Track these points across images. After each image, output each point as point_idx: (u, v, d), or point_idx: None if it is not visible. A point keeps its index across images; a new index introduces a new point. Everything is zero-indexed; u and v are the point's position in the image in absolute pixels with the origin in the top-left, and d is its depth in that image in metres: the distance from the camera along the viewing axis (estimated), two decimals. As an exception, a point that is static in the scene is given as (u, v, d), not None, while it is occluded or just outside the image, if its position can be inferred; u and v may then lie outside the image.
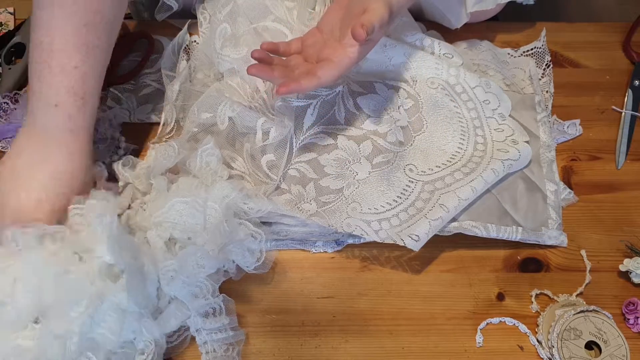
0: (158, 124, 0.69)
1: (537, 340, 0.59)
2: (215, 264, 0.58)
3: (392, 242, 0.60)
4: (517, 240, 0.63)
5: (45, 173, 0.56)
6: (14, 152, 0.58)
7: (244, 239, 0.58)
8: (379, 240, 0.60)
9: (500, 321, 0.61)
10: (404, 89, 0.70)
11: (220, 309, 0.58)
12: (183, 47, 0.74)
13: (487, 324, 0.60)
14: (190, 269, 0.56)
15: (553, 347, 0.57)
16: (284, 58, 0.61)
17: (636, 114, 0.73)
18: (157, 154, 0.63)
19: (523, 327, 0.60)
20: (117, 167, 0.63)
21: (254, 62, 0.58)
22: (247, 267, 0.59)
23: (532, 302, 0.61)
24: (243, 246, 0.58)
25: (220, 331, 0.58)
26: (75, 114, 0.57)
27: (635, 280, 0.62)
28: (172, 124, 0.69)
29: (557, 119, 0.72)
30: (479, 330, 0.60)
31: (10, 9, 0.83)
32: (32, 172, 0.56)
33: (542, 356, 0.59)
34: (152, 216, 0.59)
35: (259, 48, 0.58)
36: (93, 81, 0.58)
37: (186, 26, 0.75)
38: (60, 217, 0.57)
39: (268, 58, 0.59)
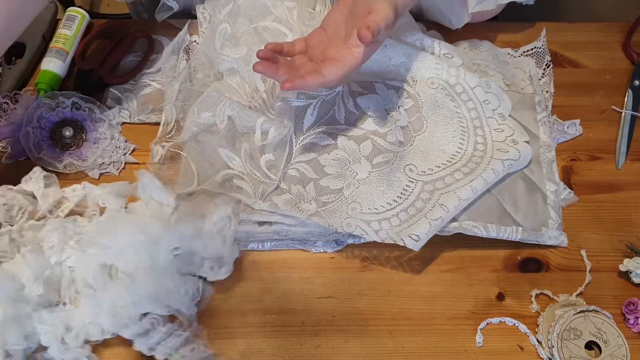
0: (158, 124, 0.69)
1: (537, 340, 0.59)
2: (149, 307, 0.57)
3: (392, 242, 0.60)
4: (517, 240, 0.63)
5: None
6: None
7: (185, 295, 0.58)
8: (379, 240, 0.60)
9: (500, 321, 0.61)
10: (404, 89, 0.70)
11: (157, 321, 0.57)
12: (183, 47, 0.74)
13: (487, 324, 0.60)
14: (121, 304, 0.56)
15: (553, 347, 0.57)
16: (288, 58, 0.61)
17: (636, 114, 0.73)
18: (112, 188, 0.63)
19: (523, 327, 0.60)
20: (38, 176, 0.63)
21: (254, 61, 0.58)
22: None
23: (532, 302, 0.61)
24: (182, 298, 0.58)
25: (171, 336, 0.57)
26: None
27: (635, 280, 0.62)
28: (172, 124, 0.69)
29: (557, 119, 0.72)
30: (479, 330, 0.60)
31: (10, 9, 0.83)
32: None
33: (542, 356, 0.59)
34: (98, 235, 0.58)
35: (259, 48, 0.58)
36: None
37: (186, 26, 0.75)
38: None
39: (273, 57, 0.59)
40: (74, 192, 0.64)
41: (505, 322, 0.61)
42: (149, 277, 0.56)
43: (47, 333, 0.55)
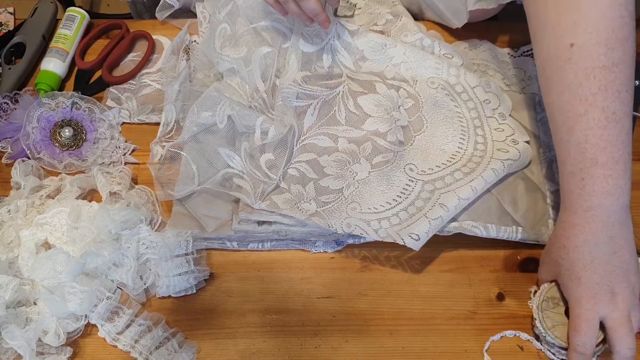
0: (158, 124, 0.69)
1: (535, 334, 0.59)
2: (76, 270, 0.57)
3: (392, 241, 0.60)
4: (517, 240, 0.63)
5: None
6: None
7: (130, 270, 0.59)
8: (378, 239, 0.60)
9: (501, 337, 0.60)
10: (404, 89, 0.70)
11: (122, 310, 0.58)
12: (183, 47, 0.74)
13: (491, 342, 0.60)
14: (45, 273, 0.57)
15: (535, 319, 0.57)
16: None
17: (636, 114, 0.73)
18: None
19: (524, 336, 0.60)
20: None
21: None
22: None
23: (531, 298, 0.61)
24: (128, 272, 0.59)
25: (131, 326, 0.58)
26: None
27: (636, 280, 0.62)
28: (172, 124, 0.69)
29: (557, 119, 0.72)
30: (485, 354, 0.59)
31: (10, 9, 0.83)
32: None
33: (536, 347, 0.58)
34: (37, 217, 0.61)
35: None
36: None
37: (186, 26, 0.75)
38: None
39: None
40: (52, 182, 0.65)
41: (505, 335, 0.60)
42: (78, 246, 0.59)
43: (20, 347, 0.55)
